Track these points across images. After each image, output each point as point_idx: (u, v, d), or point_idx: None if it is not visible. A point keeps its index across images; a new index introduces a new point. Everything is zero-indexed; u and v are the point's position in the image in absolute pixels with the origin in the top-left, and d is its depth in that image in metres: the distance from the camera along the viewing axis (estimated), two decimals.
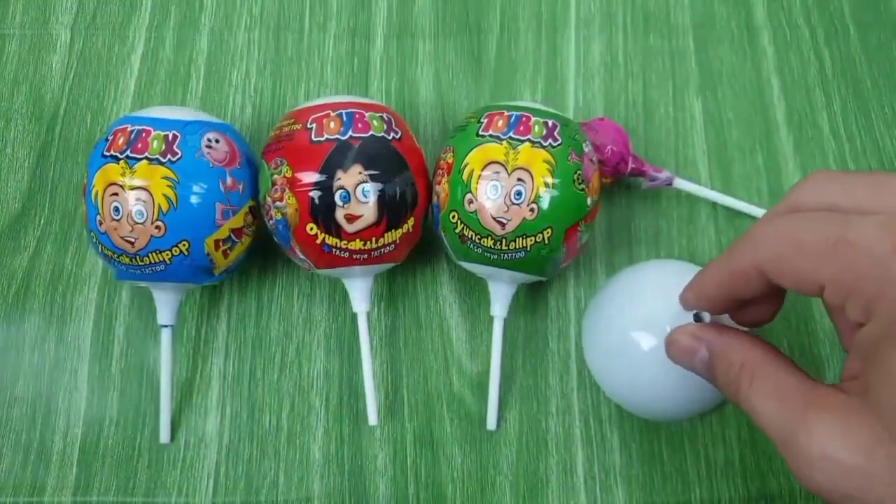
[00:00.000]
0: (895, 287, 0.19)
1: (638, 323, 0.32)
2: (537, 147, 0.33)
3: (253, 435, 0.37)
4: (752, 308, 0.26)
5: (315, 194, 0.32)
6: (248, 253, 0.36)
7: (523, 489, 0.36)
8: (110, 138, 0.33)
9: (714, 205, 0.41)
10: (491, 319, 0.37)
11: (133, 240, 0.32)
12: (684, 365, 0.27)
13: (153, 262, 0.33)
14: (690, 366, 0.27)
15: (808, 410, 0.21)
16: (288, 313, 0.39)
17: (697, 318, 0.29)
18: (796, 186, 0.24)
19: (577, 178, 0.33)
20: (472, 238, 0.33)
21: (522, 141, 0.33)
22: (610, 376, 0.33)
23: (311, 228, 0.33)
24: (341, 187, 0.32)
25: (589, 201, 0.34)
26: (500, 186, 0.32)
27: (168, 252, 0.33)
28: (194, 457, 0.37)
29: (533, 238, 0.33)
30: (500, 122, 0.34)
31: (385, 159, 0.33)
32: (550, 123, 0.33)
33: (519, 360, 0.38)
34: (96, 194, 0.32)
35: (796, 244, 0.21)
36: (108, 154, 0.33)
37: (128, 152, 0.32)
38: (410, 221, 0.34)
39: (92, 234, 0.33)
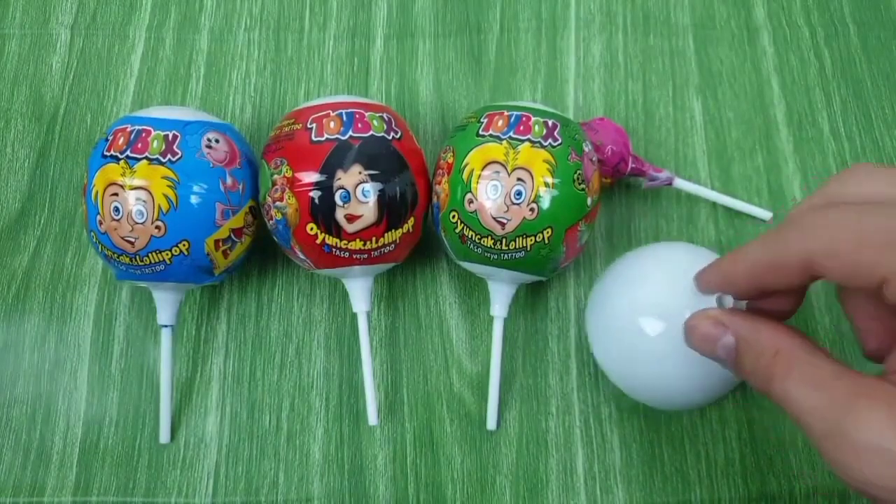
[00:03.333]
0: None
1: (644, 306, 0.31)
2: (537, 147, 0.33)
3: (253, 435, 0.37)
4: (776, 298, 0.25)
5: (315, 194, 0.32)
6: (248, 253, 0.36)
7: (523, 489, 0.36)
8: (110, 138, 0.33)
9: (714, 205, 0.41)
10: (491, 319, 0.37)
11: (133, 240, 0.32)
12: (704, 352, 0.25)
13: (153, 262, 0.33)
14: (711, 353, 0.25)
15: (856, 399, 0.20)
16: (288, 313, 0.39)
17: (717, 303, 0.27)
18: (837, 178, 0.23)
19: (577, 178, 0.33)
20: (472, 238, 0.33)
21: (522, 141, 0.33)
22: (614, 362, 0.33)
23: (311, 228, 0.33)
24: (341, 187, 0.32)
25: (589, 201, 0.34)
26: (500, 186, 0.32)
27: (168, 252, 0.33)
28: (194, 457, 0.37)
29: (533, 238, 0.33)
30: (500, 122, 0.34)
31: (385, 159, 0.33)
32: (550, 123, 0.33)
33: (519, 360, 0.38)
34: (96, 194, 0.32)
35: (856, 236, 0.20)
36: (108, 154, 0.33)
37: (128, 152, 0.32)
38: (410, 221, 0.34)
39: (92, 233, 0.33)
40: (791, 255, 0.22)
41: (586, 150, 0.34)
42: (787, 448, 0.37)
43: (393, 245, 0.34)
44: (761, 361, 0.23)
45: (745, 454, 0.37)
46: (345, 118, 0.33)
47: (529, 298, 0.39)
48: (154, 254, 0.33)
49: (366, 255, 0.33)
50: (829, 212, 0.21)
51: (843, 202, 0.22)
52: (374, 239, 0.33)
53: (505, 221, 0.32)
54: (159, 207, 0.32)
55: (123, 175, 0.32)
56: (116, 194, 0.32)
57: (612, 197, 0.41)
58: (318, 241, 0.33)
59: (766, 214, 0.40)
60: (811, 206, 0.23)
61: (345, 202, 0.32)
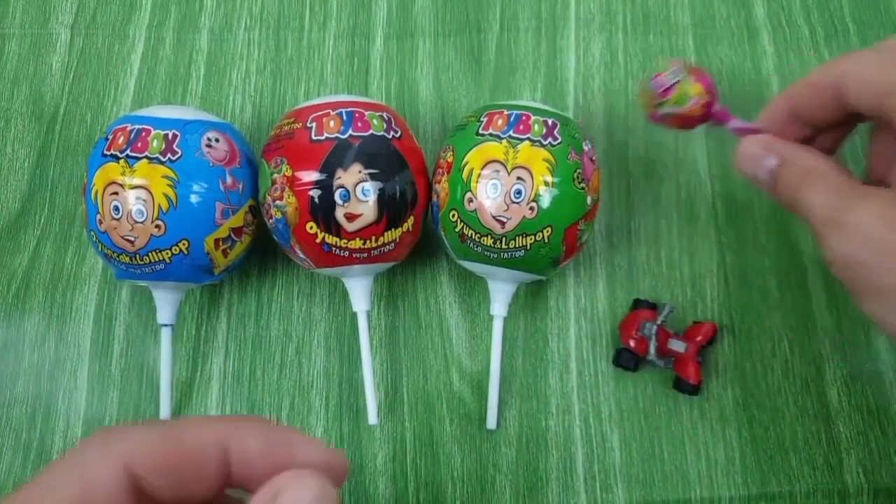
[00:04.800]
0: None
1: None
2: (537, 146, 0.33)
3: None
4: (818, 139, 0.29)
5: (315, 193, 0.32)
6: (248, 252, 0.36)
7: (523, 489, 0.36)
8: (110, 137, 0.33)
9: (714, 204, 0.41)
10: (491, 319, 0.37)
11: (133, 239, 0.32)
12: (750, 173, 0.29)
13: (153, 261, 0.33)
14: (755, 173, 0.29)
15: (858, 197, 0.25)
16: (288, 313, 0.39)
17: None
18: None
19: (577, 177, 0.33)
20: (471, 237, 0.33)
21: (522, 140, 0.33)
22: None
23: (311, 227, 0.33)
24: (341, 186, 0.32)
25: (589, 200, 0.34)
26: (500, 185, 0.32)
27: (168, 251, 0.33)
28: None
29: (533, 237, 0.33)
30: (500, 121, 0.34)
31: (385, 158, 0.33)
32: (550, 122, 0.33)
33: (519, 359, 0.38)
34: (96, 193, 0.32)
35: (881, 62, 0.24)
36: (108, 153, 0.33)
37: (128, 151, 0.32)
38: (410, 220, 0.34)
39: (92, 233, 0.33)
40: (823, 77, 0.26)
41: (586, 148, 0.34)
42: (788, 448, 0.37)
43: (393, 244, 0.34)
44: (794, 175, 0.27)
45: (746, 454, 0.37)
46: (345, 117, 0.33)
47: (529, 298, 0.39)
48: (154, 253, 0.33)
49: (365, 254, 0.33)
50: (854, 52, 0.26)
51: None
52: (373, 238, 0.33)
53: (505, 220, 0.32)
54: (159, 206, 0.32)
55: (123, 174, 0.32)
56: (116, 193, 0.32)
57: (612, 197, 0.41)
58: (318, 240, 0.33)
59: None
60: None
61: (344, 201, 0.32)
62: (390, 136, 0.34)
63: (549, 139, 0.33)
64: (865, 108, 0.26)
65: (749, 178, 0.30)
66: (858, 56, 0.26)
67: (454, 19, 0.45)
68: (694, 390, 0.36)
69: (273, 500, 0.16)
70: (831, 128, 0.29)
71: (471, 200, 0.33)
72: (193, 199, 0.32)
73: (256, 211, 0.36)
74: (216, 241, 0.34)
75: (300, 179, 0.32)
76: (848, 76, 0.26)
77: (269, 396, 0.38)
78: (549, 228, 0.33)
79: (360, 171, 0.32)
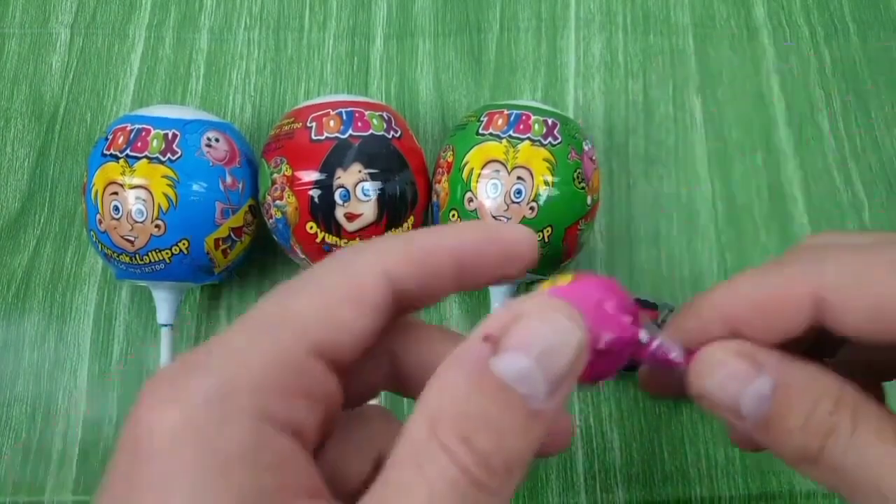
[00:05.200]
0: None
1: None
2: (537, 145, 0.33)
3: None
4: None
5: (315, 193, 0.32)
6: (248, 252, 0.36)
7: (523, 489, 0.36)
8: (110, 137, 0.33)
9: (714, 205, 0.41)
10: None
11: (133, 239, 0.32)
12: (719, 400, 0.18)
13: (153, 261, 0.33)
14: (731, 403, 0.18)
15: None
16: None
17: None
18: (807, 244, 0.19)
19: (577, 177, 0.33)
20: None
21: (522, 139, 0.33)
22: None
23: (311, 227, 0.33)
24: (341, 186, 0.32)
25: (589, 200, 0.34)
26: (500, 185, 0.32)
27: (168, 251, 0.33)
28: None
29: None
30: (500, 121, 0.34)
31: (385, 158, 0.33)
32: (550, 122, 0.33)
33: None
34: (96, 193, 0.32)
35: (874, 265, 0.16)
36: (107, 153, 0.33)
37: (128, 151, 0.32)
38: (410, 220, 0.34)
39: (92, 233, 0.33)
40: (796, 288, 0.17)
41: (586, 148, 0.34)
42: None
43: None
44: (818, 415, 0.17)
45: (746, 454, 0.37)
46: (344, 117, 0.33)
47: None
48: (154, 253, 0.33)
49: None
50: (832, 248, 0.17)
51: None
52: (373, 238, 0.33)
53: (505, 220, 0.32)
54: (159, 206, 0.32)
55: (123, 174, 0.32)
56: (116, 193, 0.32)
57: (612, 197, 0.41)
58: (318, 240, 0.33)
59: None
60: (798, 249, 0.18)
61: (344, 201, 0.32)
62: (390, 136, 0.34)
63: (549, 139, 0.33)
64: (858, 330, 0.17)
65: (712, 409, 0.18)
66: (838, 259, 0.17)
67: (454, 19, 0.45)
68: None
69: (514, 322, 0.15)
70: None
71: (471, 200, 0.33)
72: (193, 198, 0.32)
73: (256, 211, 0.36)
74: (216, 241, 0.34)
75: (300, 179, 0.32)
76: (827, 290, 0.17)
77: None
78: (549, 228, 0.33)
79: (360, 171, 0.32)
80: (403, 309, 0.18)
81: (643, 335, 0.18)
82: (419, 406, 0.15)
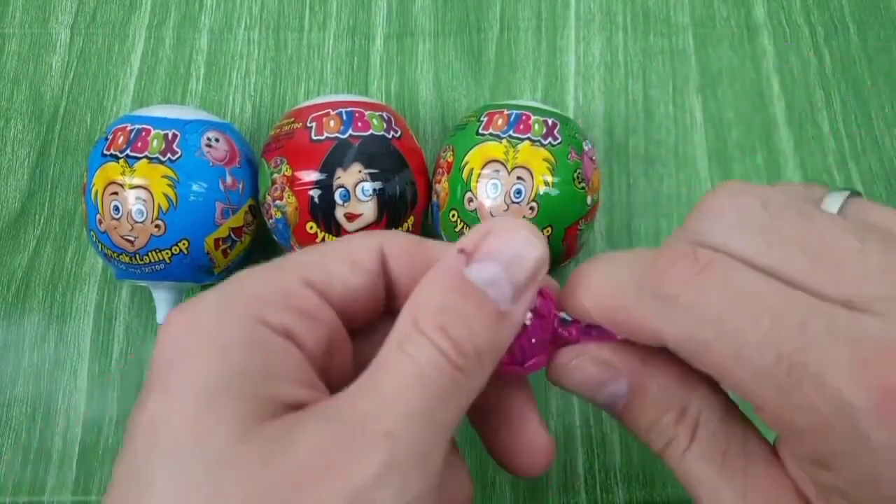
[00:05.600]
0: (871, 456, 0.14)
1: None
2: (537, 145, 0.33)
3: None
4: None
5: (315, 193, 0.32)
6: (248, 252, 0.36)
7: (523, 489, 0.36)
8: (110, 137, 0.33)
9: None
10: None
11: (133, 239, 0.32)
12: (581, 394, 0.20)
13: (153, 261, 0.33)
14: (592, 397, 0.19)
15: (747, 482, 0.17)
16: None
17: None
18: (699, 213, 0.19)
19: (577, 177, 0.33)
20: None
21: (522, 139, 0.33)
22: None
23: (311, 227, 0.33)
24: (341, 186, 0.32)
25: (589, 200, 0.34)
26: (500, 185, 0.32)
27: (168, 251, 0.33)
28: None
29: None
30: (500, 121, 0.34)
31: (385, 158, 0.33)
32: (550, 122, 0.33)
33: None
34: (96, 193, 0.32)
35: (731, 341, 0.15)
36: (107, 153, 0.33)
37: (128, 151, 0.32)
38: (410, 220, 0.34)
39: (92, 233, 0.33)
40: (647, 331, 0.17)
41: (586, 148, 0.34)
42: None
43: None
44: (663, 423, 0.18)
45: None
46: (344, 117, 0.33)
47: None
48: (154, 253, 0.33)
49: None
50: (697, 278, 0.16)
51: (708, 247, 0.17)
52: None
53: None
54: (159, 206, 0.32)
55: (123, 174, 0.32)
56: (116, 193, 0.32)
57: (612, 197, 0.41)
58: (318, 240, 0.33)
59: None
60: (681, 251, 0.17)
61: (344, 201, 0.32)
62: (390, 136, 0.34)
63: (550, 139, 0.33)
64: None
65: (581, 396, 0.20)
66: (692, 309, 0.16)
67: (454, 19, 0.45)
68: None
69: (484, 238, 0.18)
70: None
71: (471, 200, 0.33)
72: (193, 198, 0.32)
73: (256, 211, 0.36)
74: (216, 240, 0.34)
75: (300, 179, 0.32)
76: (680, 345, 0.17)
77: None
78: (549, 228, 0.33)
79: (360, 171, 0.32)
80: (397, 297, 0.20)
81: (564, 315, 0.20)
82: (404, 308, 0.17)
